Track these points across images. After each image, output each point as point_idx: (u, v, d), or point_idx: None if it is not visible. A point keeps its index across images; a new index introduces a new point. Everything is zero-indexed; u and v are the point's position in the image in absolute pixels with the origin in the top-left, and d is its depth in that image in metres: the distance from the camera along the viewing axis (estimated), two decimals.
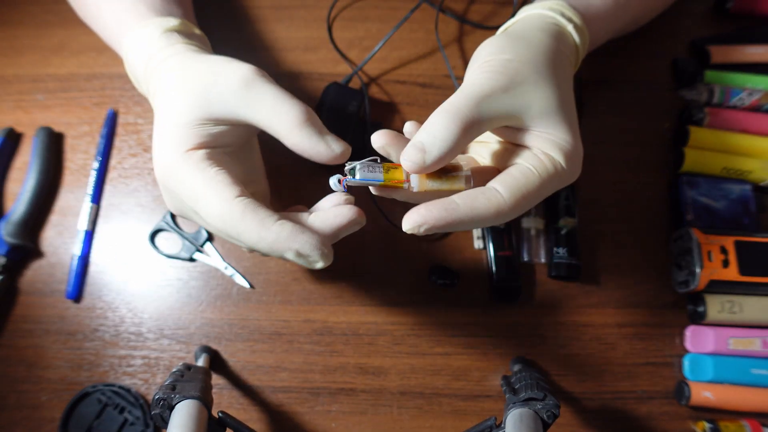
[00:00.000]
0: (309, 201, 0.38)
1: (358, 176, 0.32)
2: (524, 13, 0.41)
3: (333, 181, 0.33)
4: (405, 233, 0.32)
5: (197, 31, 0.42)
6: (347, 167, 0.33)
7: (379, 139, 0.33)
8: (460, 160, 0.35)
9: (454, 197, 0.32)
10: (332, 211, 0.34)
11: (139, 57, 0.39)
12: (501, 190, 0.32)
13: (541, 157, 0.33)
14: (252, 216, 0.32)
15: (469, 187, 0.33)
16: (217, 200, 0.32)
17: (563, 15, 0.39)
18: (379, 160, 0.33)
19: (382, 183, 0.32)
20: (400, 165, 0.32)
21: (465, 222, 0.31)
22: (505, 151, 0.35)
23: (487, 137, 0.38)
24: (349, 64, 0.54)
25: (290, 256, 0.32)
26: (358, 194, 0.51)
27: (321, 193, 0.37)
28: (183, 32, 0.40)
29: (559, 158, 0.33)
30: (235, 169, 0.35)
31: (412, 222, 0.31)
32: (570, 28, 0.39)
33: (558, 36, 0.38)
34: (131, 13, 0.41)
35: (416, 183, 0.32)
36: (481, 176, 0.34)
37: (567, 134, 0.34)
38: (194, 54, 0.37)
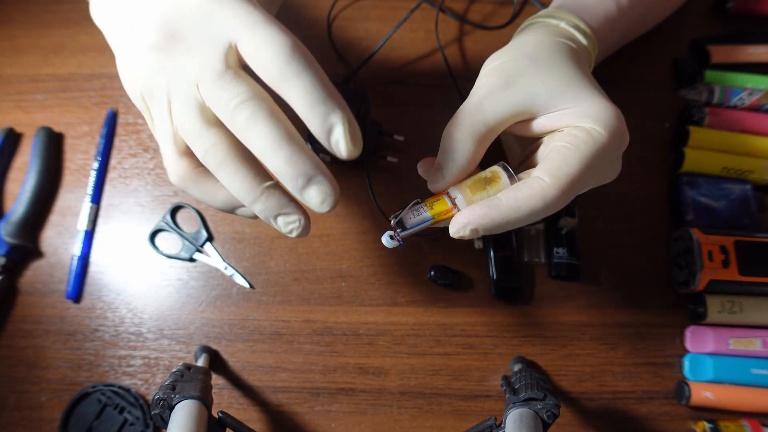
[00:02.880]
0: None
1: (408, 225, 0.32)
2: (524, 23, 0.41)
3: (386, 239, 0.33)
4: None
5: None
6: (393, 221, 0.33)
7: (422, 166, 0.34)
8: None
9: (497, 194, 0.31)
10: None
11: None
12: (541, 176, 0.30)
13: (573, 131, 0.31)
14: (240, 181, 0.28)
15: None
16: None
17: (564, 20, 0.39)
18: (420, 201, 0.33)
19: (432, 221, 0.32)
20: (440, 195, 0.33)
21: (511, 216, 0.30)
22: (545, 146, 0.34)
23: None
24: (349, 64, 0.54)
25: (271, 222, 0.29)
26: (358, 193, 0.51)
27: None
28: None
29: (592, 125, 0.31)
30: None
31: (457, 224, 0.31)
32: (573, 30, 0.39)
33: (560, 34, 0.38)
34: None
35: (462, 202, 0.32)
36: None
37: (592, 100, 0.32)
38: None
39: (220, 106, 0.27)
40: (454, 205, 0.32)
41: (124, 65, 0.32)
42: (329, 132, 0.27)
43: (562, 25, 0.39)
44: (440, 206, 0.32)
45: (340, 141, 0.27)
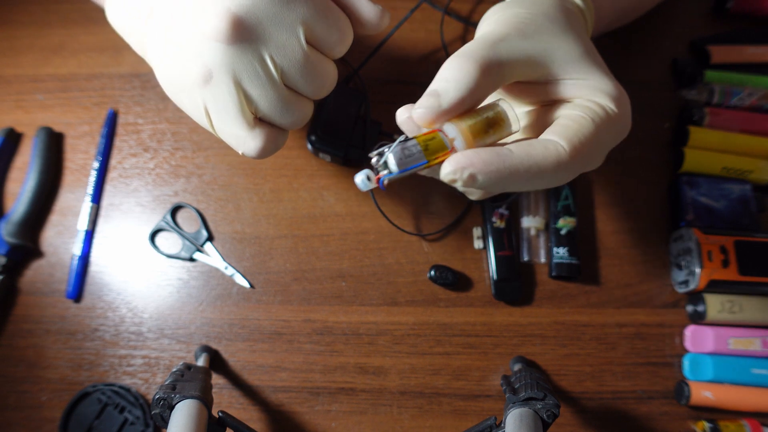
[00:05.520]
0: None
1: (394, 167, 0.26)
2: None
3: (361, 180, 0.27)
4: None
5: None
6: (374, 159, 0.27)
7: (403, 113, 0.30)
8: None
9: (508, 145, 0.28)
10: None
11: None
12: (556, 139, 0.28)
13: (588, 103, 0.30)
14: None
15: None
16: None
17: None
18: (405, 137, 0.27)
19: (427, 165, 0.26)
20: (435, 132, 0.27)
21: (520, 172, 0.27)
22: (544, 114, 0.32)
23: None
24: (349, 64, 0.54)
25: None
26: (358, 193, 0.51)
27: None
28: None
29: (608, 102, 0.30)
30: None
31: (454, 163, 0.26)
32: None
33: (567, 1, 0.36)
34: None
35: (461, 143, 0.27)
36: None
37: (606, 78, 0.31)
38: None
39: (308, 84, 0.33)
40: (452, 147, 0.27)
41: (160, 65, 0.34)
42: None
43: None
44: (436, 146, 0.27)
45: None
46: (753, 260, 0.46)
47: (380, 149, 0.26)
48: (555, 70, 0.31)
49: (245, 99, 0.32)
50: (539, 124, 0.32)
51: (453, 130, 0.27)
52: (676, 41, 0.56)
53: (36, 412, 0.47)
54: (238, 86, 0.32)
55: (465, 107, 0.28)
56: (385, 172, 0.26)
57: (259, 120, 0.34)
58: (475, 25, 0.55)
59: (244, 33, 0.30)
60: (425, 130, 0.28)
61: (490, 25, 0.32)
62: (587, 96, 0.30)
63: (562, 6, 0.34)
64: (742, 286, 0.46)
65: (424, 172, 0.28)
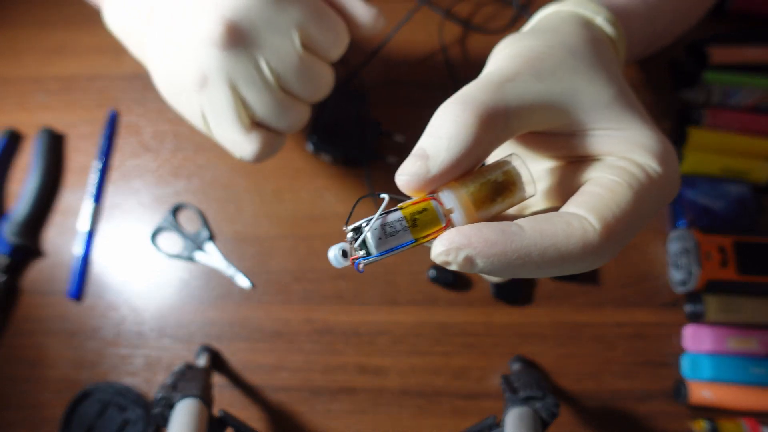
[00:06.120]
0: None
1: (373, 250, 0.21)
2: (541, 14, 0.32)
3: (333, 254, 0.21)
4: None
5: None
6: (350, 234, 0.21)
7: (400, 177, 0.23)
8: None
9: (520, 219, 0.21)
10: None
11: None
12: (583, 213, 0.22)
13: (623, 163, 0.23)
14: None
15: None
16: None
17: (587, 8, 0.31)
18: (387, 199, 0.22)
19: (414, 244, 0.21)
20: (427, 201, 0.22)
21: (533, 257, 0.21)
22: (571, 173, 0.25)
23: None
24: (349, 64, 0.54)
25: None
26: (358, 193, 0.51)
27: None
28: None
29: (648, 160, 0.23)
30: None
31: (447, 242, 0.21)
32: (599, 19, 0.30)
33: (589, 26, 0.29)
34: None
35: (460, 216, 0.22)
36: None
37: (645, 127, 0.24)
38: None
39: (304, 88, 0.34)
40: (447, 223, 0.21)
41: (159, 66, 0.34)
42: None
43: (599, 20, 0.30)
44: (427, 219, 0.21)
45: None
46: (752, 260, 0.47)
47: (357, 223, 0.21)
48: (580, 117, 0.24)
49: (241, 103, 0.32)
50: (564, 187, 0.26)
51: (451, 199, 0.22)
52: (675, 42, 0.56)
53: (37, 411, 0.47)
54: (234, 91, 0.32)
55: (462, 170, 0.22)
56: (362, 253, 0.21)
57: (256, 124, 0.34)
58: (474, 28, 0.55)
59: (239, 38, 0.30)
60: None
61: (498, 61, 0.26)
62: (623, 153, 0.24)
63: (590, 36, 0.28)
64: (741, 286, 0.47)
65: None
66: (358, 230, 0.21)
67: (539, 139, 0.26)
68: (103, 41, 0.55)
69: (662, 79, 0.55)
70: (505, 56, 0.26)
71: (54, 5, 0.55)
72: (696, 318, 0.48)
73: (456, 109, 0.22)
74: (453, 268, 0.21)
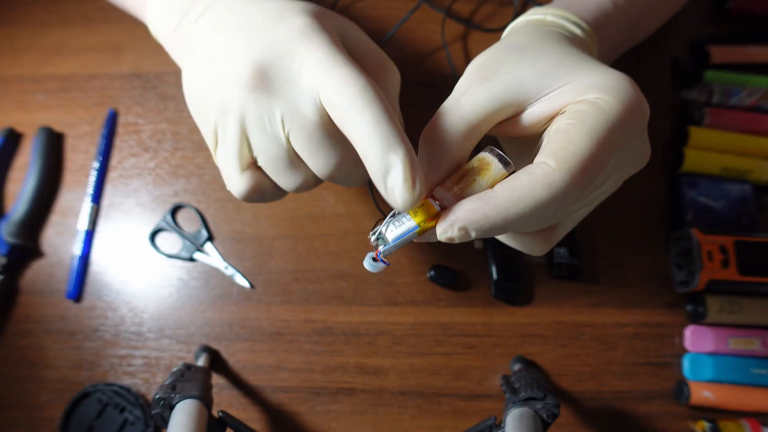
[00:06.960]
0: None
1: (390, 239, 0.27)
2: (509, 27, 0.37)
3: (369, 263, 0.28)
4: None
5: None
6: (372, 238, 0.28)
7: None
8: None
9: (493, 187, 0.26)
10: None
11: (170, 10, 0.36)
12: (544, 160, 0.25)
13: (575, 106, 0.26)
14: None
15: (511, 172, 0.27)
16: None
17: (550, 13, 0.36)
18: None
19: (419, 229, 0.26)
20: (424, 199, 0.27)
21: (509, 210, 0.24)
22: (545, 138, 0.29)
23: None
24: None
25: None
26: (358, 193, 0.51)
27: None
28: None
29: (597, 95, 0.26)
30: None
31: (443, 222, 0.25)
32: (564, 21, 0.35)
33: (548, 25, 0.34)
34: None
35: (450, 199, 0.27)
36: None
37: (594, 71, 0.27)
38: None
39: (311, 156, 0.31)
40: (443, 207, 0.27)
41: (192, 72, 0.34)
42: (386, 174, 0.25)
43: (549, 18, 0.35)
44: (425, 209, 0.27)
45: (396, 186, 0.25)
46: (753, 260, 0.46)
47: (376, 228, 0.28)
48: (531, 92, 0.27)
49: (247, 144, 0.32)
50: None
51: (439, 190, 0.27)
52: (675, 41, 0.56)
53: (36, 412, 0.47)
54: (243, 131, 0.31)
55: (441, 180, 0.27)
56: (382, 246, 0.27)
57: (256, 167, 0.33)
58: (475, 26, 0.55)
59: (262, 85, 0.30)
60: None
61: (459, 82, 0.30)
62: (572, 98, 0.27)
63: (544, 32, 0.32)
64: (742, 286, 0.46)
65: (424, 238, 0.28)
66: (377, 234, 0.27)
67: (511, 126, 0.29)
68: (102, 40, 0.54)
69: (663, 79, 0.55)
70: (466, 72, 0.30)
71: (53, 5, 0.55)
72: (697, 318, 0.48)
73: (431, 134, 0.27)
74: (456, 241, 0.25)
